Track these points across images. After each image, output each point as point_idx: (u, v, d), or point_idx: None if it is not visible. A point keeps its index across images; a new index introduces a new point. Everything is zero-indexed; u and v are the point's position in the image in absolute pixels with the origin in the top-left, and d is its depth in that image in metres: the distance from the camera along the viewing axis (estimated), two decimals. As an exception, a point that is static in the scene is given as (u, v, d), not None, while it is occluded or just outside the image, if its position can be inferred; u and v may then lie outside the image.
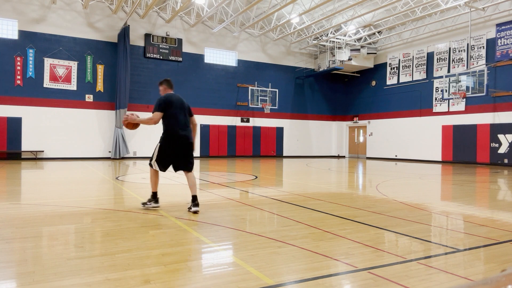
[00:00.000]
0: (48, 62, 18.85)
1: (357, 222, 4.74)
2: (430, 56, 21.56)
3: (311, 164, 17.96)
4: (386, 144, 24.20)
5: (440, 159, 20.77)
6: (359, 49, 24.11)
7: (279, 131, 25.22)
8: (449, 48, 20.46)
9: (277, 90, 24.16)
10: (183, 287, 2.66)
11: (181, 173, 5.65)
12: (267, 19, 21.85)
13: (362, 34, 22.66)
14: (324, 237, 4.02)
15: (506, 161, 17.77)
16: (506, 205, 6.75)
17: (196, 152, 22.36)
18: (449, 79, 17.97)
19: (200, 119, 22.52)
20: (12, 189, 8.19)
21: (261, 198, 6.84)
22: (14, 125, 18.08)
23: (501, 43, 17.93)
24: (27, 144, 18.35)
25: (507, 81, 17.82)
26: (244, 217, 5.22)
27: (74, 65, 19.43)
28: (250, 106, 23.44)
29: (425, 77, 21.78)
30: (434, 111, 21.28)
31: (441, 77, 19.72)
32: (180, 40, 21.88)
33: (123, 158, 20.12)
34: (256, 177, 11.01)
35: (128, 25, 19.90)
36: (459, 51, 20.00)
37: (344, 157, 27.23)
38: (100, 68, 20.06)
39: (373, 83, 25.44)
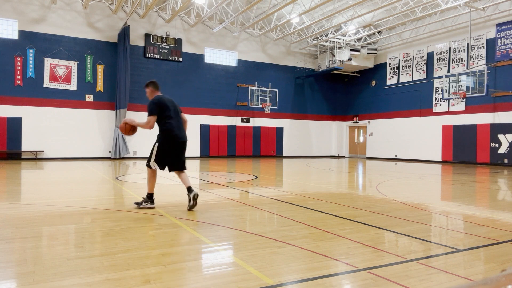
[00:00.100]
0: (48, 62, 18.85)
1: (357, 222, 4.74)
2: (430, 56, 21.56)
3: (311, 164, 17.96)
4: (386, 144, 24.20)
5: (440, 159, 20.78)
6: (359, 49, 24.12)
7: (279, 131, 25.22)
8: (449, 48, 20.46)
9: (277, 90, 24.16)
10: (183, 287, 2.66)
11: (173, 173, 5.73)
12: (267, 19, 21.85)
13: (362, 34, 22.66)
14: (324, 237, 4.02)
15: (506, 161, 17.77)
16: (506, 205, 6.75)
17: (196, 152, 22.38)
18: (449, 79, 17.97)
19: (200, 119, 22.54)
20: (12, 189, 8.19)
21: (261, 198, 6.84)
22: (14, 125, 18.08)
23: (501, 43, 17.93)
24: (27, 144, 18.36)
25: (507, 81, 17.82)
26: (244, 217, 5.22)
27: (74, 65, 19.43)
28: (250, 106, 23.45)
29: (425, 77, 21.78)
30: (434, 111, 21.28)
31: (441, 77, 19.72)
32: (180, 40, 21.88)
33: (123, 158, 20.12)
34: (256, 177, 11.01)
35: (128, 25, 19.91)
36: (459, 51, 20.00)
37: (344, 157, 27.23)
38: (100, 68, 20.06)
39: (373, 83, 25.45)
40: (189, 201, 5.37)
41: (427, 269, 3.02)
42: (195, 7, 20.48)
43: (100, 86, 20.06)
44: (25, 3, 18.36)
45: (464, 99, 19.01)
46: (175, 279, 2.76)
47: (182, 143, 5.53)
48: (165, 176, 9.31)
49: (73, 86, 19.45)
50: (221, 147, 23.27)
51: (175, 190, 7.96)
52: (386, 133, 24.29)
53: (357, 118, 26.61)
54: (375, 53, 24.59)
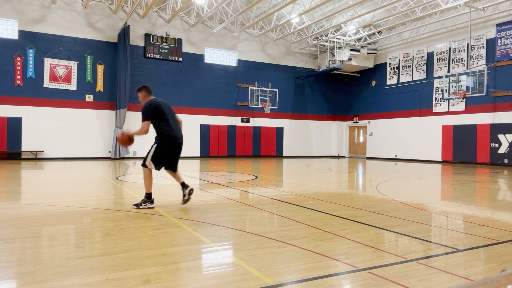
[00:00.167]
0: (48, 62, 18.85)
1: (357, 222, 4.74)
2: (430, 56, 21.56)
3: (311, 164, 17.96)
4: (386, 144, 24.20)
5: (440, 159, 20.78)
6: (359, 49, 24.11)
7: (279, 131, 25.22)
8: (449, 48, 20.46)
9: (277, 90, 24.16)
10: (183, 287, 2.66)
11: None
12: (267, 19, 21.85)
13: (362, 34, 22.66)
14: (324, 237, 4.02)
15: (506, 161, 17.77)
16: (506, 205, 6.75)
17: (196, 152, 22.38)
18: (449, 79, 17.97)
19: (200, 119, 22.54)
20: (12, 189, 8.19)
21: (261, 198, 6.84)
22: (14, 125, 18.08)
23: (501, 43, 17.93)
24: (27, 144, 18.36)
25: (507, 81, 17.82)
26: (244, 217, 5.22)
27: (74, 65, 19.43)
28: (250, 106, 23.45)
29: (425, 77, 21.78)
30: (434, 111, 21.28)
31: (441, 77, 19.72)
32: (180, 40, 21.88)
33: (123, 158, 20.12)
34: (256, 177, 11.01)
35: (128, 25, 19.90)
36: (459, 51, 20.00)
37: (344, 157, 27.23)
38: (100, 68, 20.06)
39: (373, 83, 25.45)
40: (184, 195, 5.59)
41: (427, 269, 3.02)
42: (195, 7, 20.48)
43: (100, 86, 20.06)
44: (25, 3, 18.36)
45: (464, 99, 19.01)
46: (175, 279, 2.76)
47: (179, 144, 5.65)
48: (165, 176, 9.30)
49: (73, 86, 19.45)
50: (221, 147, 23.27)
51: (175, 190, 7.95)
52: (386, 133, 24.29)
53: (357, 118, 26.61)
54: (375, 53, 24.59)
